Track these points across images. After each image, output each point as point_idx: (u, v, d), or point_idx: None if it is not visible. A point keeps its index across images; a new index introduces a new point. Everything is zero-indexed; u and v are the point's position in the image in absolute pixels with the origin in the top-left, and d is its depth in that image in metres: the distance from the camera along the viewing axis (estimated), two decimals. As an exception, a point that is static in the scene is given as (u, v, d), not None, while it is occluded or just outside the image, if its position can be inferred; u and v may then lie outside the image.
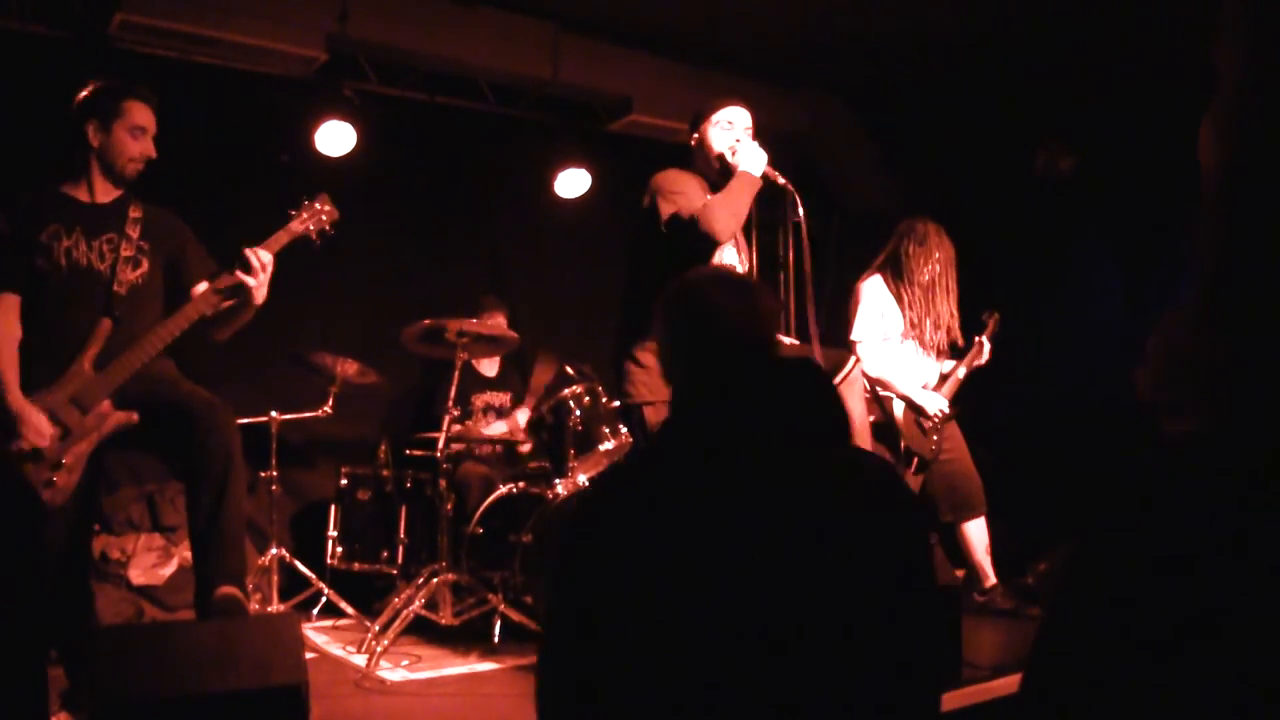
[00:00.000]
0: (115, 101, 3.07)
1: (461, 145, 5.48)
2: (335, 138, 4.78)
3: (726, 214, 3.21)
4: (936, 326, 4.17)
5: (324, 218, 3.34)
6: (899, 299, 4.16)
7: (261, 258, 3.05)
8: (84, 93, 3.08)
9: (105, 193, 3.12)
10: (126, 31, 4.34)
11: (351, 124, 4.78)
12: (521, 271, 5.77)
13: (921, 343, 4.18)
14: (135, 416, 2.90)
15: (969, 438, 4.25)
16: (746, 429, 1.46)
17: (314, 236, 3.32)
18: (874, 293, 4.19)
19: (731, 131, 3.41)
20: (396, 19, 4.82)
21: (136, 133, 3.08)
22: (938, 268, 4.14)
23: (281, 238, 3.19)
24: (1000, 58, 5.04)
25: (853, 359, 3.51)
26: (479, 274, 5.62)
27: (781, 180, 3.35)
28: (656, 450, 1.56)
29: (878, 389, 4.13)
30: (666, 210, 3.25)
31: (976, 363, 4.34)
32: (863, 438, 3.68)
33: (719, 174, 3.39)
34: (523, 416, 5.08)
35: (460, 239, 5.64)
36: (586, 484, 4.18)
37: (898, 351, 4.19)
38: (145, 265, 3.12)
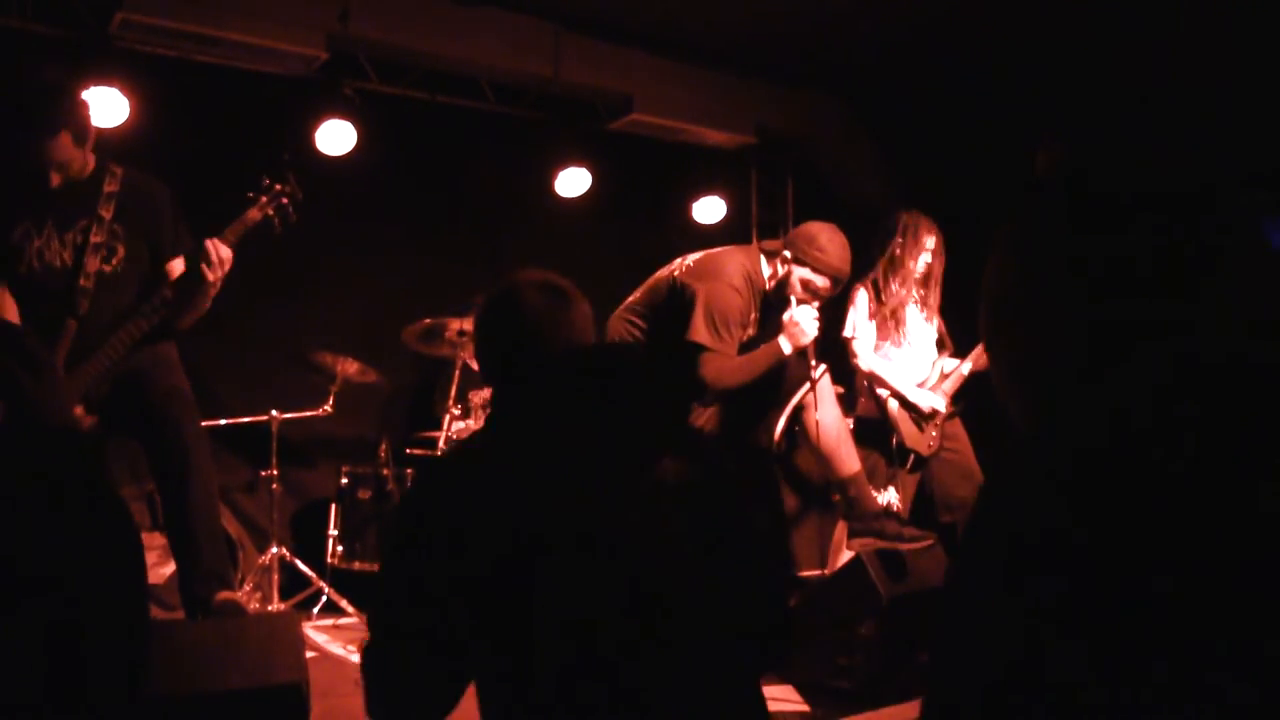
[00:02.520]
0: (35, 140, 2.88)
1: (462, 144, 5.48)
2: (336, 137, 4.78)
3: (735, 383, 3.42)
4: (929, 315, 4.16)
5: (285, 201, 3.13)
6: (886, 291, 4.12)
7: (222, 254, 2.92)
8: (13, 115, 2.92)
9: (76, 172, 2.98)
10: (127, 30, 4.33)
11: (352, 123, 4.77)
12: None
13: (898, 332, 4.13)
14: (96, 419, 2.85)
15: (974, 438, 4.22)
16: (551, 416, 1.59)
17: (275, 221, 3.12)
18: (866, 293, 4.19)
19: (811, 291, 3.52)
20: (397, 18, 4.82)
21: (56, 166, 2.91)
22: (928, 257, 4.12)
23: (238, 228, 3.03)
24: (1001, 57, 5.03)
25: (819, 370, 3.54)
26: (479, 274, 5.62)
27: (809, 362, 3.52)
28: (482, 435, 1.71)
29: (874, 385, 4.13)
30: (699, 335, 3.40)
31: (984, 361, 4.30)
32: (839, 440, 3.69)
33: (772, 297, 3.56)
34: None
35: (460, 239, 5.63)
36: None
37: (894, 350, 4.17)
38: (121, 251, 3.00)
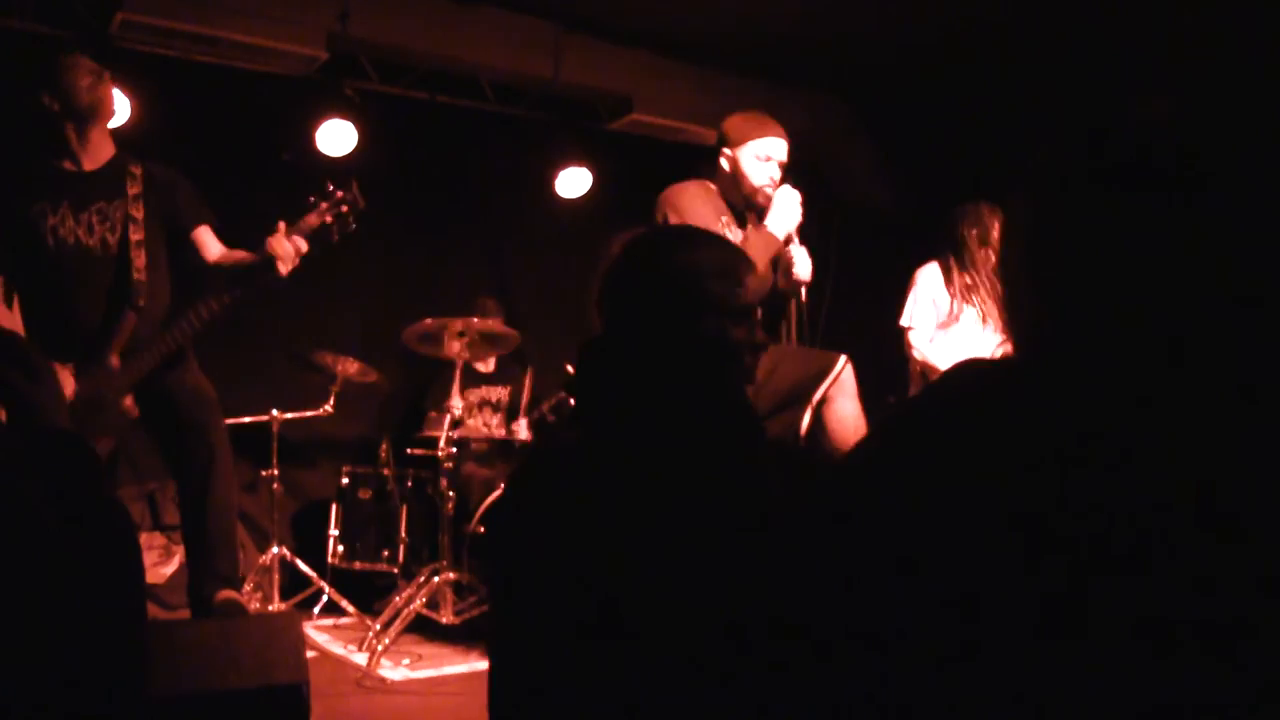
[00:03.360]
0: (52, 65, 2.94)
1: (462, 144, 5.48)
2: (336, 137, 4.79)
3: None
4: (993, 306, 4.15)
5: (345, 209, 3.15)
6: (955, 284, 4.12)
7: (299, 245, 2.98)
8: (22, 71, 3.00)
9: (92, 158, 3.03)
10: (128, 30, 4.33)
11: (352, 123, 4.78)
12: (521, 271, 5.77)
13: (966, 318, 4.12)
14: (137, 412, 2.90)
15: None
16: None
17: (334, 228, 3.14)
18: (928, 280, 4.18)
19: (768, 166, 3.37)
20: (397, 18, 4.82)
21: (86, 83, 2.95)
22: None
23: (305, 225, 3.06)
24: (1001, 57, 5.03)
25: (841, 361, 3.52)
26: (479, 274, 5.62)
27: (797, 242, 3.37)
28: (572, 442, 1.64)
29: (926, 374, 4.15)
30: None
31: None
32: (855, 435, 3.68)
33: (745, 205, 3.39)
34: (522, 429, 5.07)
35: (460, 238, 5.63)
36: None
37: (949, 338, 4.15)
38: (144, 237, 3.04)
